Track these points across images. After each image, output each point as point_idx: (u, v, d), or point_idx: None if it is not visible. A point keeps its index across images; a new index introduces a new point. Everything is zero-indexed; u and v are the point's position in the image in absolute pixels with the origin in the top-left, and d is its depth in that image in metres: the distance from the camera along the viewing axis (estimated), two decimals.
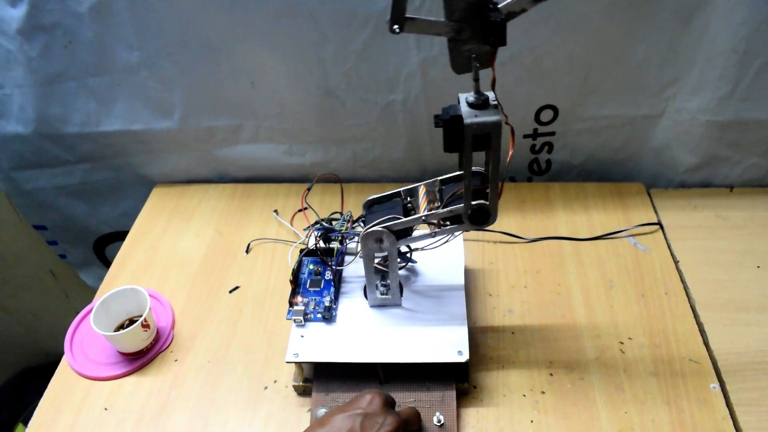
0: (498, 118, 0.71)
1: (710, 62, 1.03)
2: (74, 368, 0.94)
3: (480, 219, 0.78)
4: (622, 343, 0.93)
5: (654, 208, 1.16)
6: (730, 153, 1.15)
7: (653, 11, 0.97)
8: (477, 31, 0.66)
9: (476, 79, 0.71)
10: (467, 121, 0.71)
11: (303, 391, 0.88)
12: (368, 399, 0.73)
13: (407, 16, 0.65)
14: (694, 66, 1.04)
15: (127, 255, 1.13)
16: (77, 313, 1.02)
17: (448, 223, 0.81)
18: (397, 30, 0.65)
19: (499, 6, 0.65)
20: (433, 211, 0.79)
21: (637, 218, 1.13)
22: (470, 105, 0.72)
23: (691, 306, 0.98)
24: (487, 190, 0.77)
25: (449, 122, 0.72)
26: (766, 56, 1.00)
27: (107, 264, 1.42)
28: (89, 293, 1.40)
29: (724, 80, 1.04)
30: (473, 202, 0.77)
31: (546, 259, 1.07)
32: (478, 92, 0.72)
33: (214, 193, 1.24)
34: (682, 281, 1.02)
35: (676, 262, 1.05)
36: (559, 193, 1.19)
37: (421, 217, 0.80)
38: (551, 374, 0.90)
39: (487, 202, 0.77)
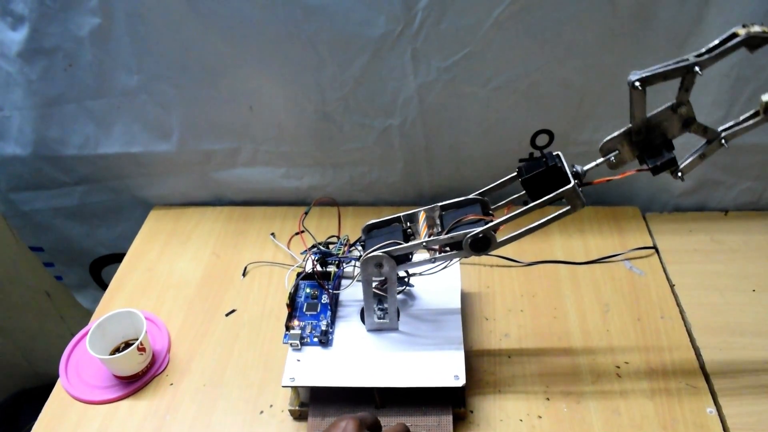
0: (585, 202, 0.77)
1: (703, 87, 1.03)
2: (69, 391, 0.94)
3: (480, 246, 0.79)
4: (618, 367, 0.93)
5: (649, 231, 1.17)
6: (724, 177, 1.16)
7: (646, 37, 0.98)
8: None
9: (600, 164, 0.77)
10: (576, 188, 0.75)
11: (299, 416, 0.88)
12: (342, 426, 0.71)
13: None
14: None
15: (123, 277, 1.13)
16: (73, 335, 1.01)
17: (447, 249, 0.82)
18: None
19: None
20: (433, 237, 0.80)
21: (632, 242, 1.14)
22: (574, 174, 0.76)
23: (687, 330, 0.99)
24: (491, 220, 0.79)
25: (554, 171, 0.76)
26: (757, 82, 1.01)
27: (104, 286, 1.41)
28: (85, 315, 1.40)
29: (717, 105, 1.05)
30: (477, 230, 0.77)
31: (542, 283, 1.07)
32: (586, 169, 0.77)
33: (212, 215, 1.25)
34: (678, 305, 1.03)
35: (671, 286, 1.06)
36: None
37: (422, 242, 0.80)
38: (548, 398, 0.90)
39: (495, 235, 0.79)
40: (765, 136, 1.08)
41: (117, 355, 0.91)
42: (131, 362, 0.92)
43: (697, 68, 0.70)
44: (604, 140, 0.77)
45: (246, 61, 1.02)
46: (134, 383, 0.93)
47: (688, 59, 0.71)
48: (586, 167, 0.77)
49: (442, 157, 1.17)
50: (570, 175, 0.75)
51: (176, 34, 0.99)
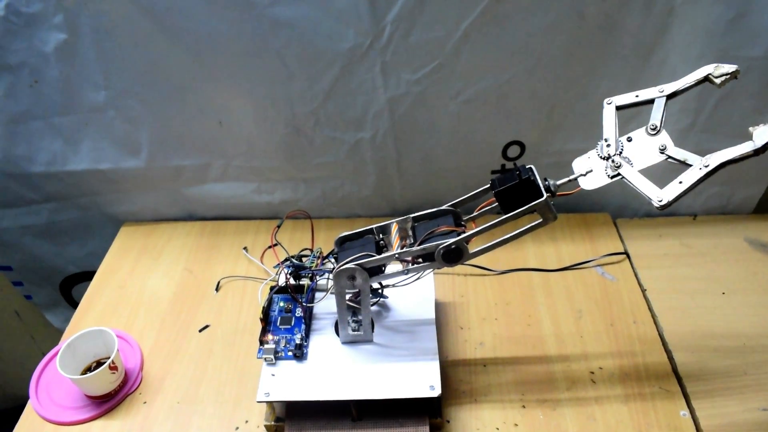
0: (557, 215, 0.77)
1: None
2: (40, 413, 0.92)
3: (453, 258, 0.79)
4: (592, 372, 0.94)
5: (620, 237, 1.18)
6: None
7: (614, 48, 1.00)
8: None
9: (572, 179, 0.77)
10: (548, 201, 0.75)
11: (275, 431, 0.87)
12: None
13: None
14: None
15: (94, 295, 1.11)
16: (43, 355, 1.00)
17: (420, 260, 0.82)
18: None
19: None
20: (406, 249, 0.80)
21: (604, 248, 1.15)
22: (546, 188, 0.76)
23: (659, 334, 1.00)
24: (463, 231, 0.79)
25: (527, 184, 0.76)
26: (722, 90, 1.02)
27: (74, 305, 1.39)
28: (56, 335, 1.37)
29: (685, 113, 1.07)
30: (449, 242, 0.78)
31: (516, 291, 1.08)
32: (558, 184, 0.77)
33: (183, 230, 1.24)
34: (650, 309, 1.04)
35: (643, 291, 1.07)
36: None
37: (395, 254, 0.80)
38: (523, 406, 0.90)
39: (467, 246, 0.79)
40: (732, 142, 1.10)
41: (88, 374, 0.89)
42: (103, 381, 0.91)
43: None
44: (577, 159, 0.79)
45: (214, 76, 1.02)
46: (107, 403, 0.92)
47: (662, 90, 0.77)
48: (558, 182, 0.78)
49: (414, 170, 1.17)
50: (543, 189, 0.75)
51: (143, 49, 0.98)
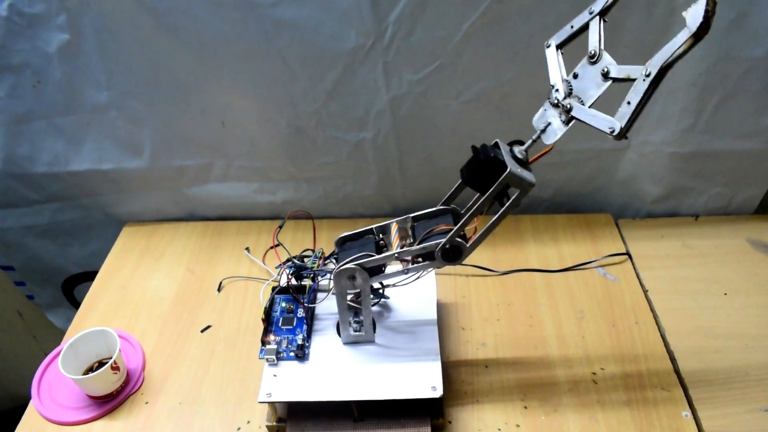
0: (534, 180, 0.72)
1: (672, 96, 1.05)
2: (42, 413, 0.92)
3: (453, 256, 0.79)
4: (594, 373, 0.94)
5: (622, 238, 1.18)
6: (695, 183, 1.18)
7: (614, 46, 0.99)
8: None
9: (535, 139, 0.73)
10: (513, 170, 0.71)
11: (277, 431, 0.87)
12: None
13: None
14: (656, 100, 1.06)
15: (96, 295, 1.11)
16: (45, 355, 1.00)
17: (420, 259, 0.82)
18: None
19: None
20: (405, 248, 0.80)
21: (606, 249, 1.15)
22: (515, 158, 0.73)
23: (661, 334, 1.00)
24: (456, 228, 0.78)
25: (490, 162, 0.73)
26: (724, 90, 1.03)
27: (76, 305, 1.39)
28: (57, 335, 1.38)
29: (686, 113, 1.07)
30: (442, 241, 0.77)
31: (518, 292, 1.08)
32: (526, 149, 0.74)
33: (185, 231, 1.24)
34: (652, 310, 1.04)
35: (645, 292, 1.07)
36: (529, 226, 1.21)
37: (394, 254, 0.80)
38: (525, 407, 0.90)
39: (464, 242, 0.78)
40: (733, 143, 1.10)
41: (90, 374, 0.89)
42: (105, 382, 0.91)
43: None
44: (535, 116, 0.75)
45: (217, 76, 1.02)
46: (108, 403, 0.92)
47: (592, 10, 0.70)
48: (524, 147, 0.75)
49: (416, 170, 1.17)
50: (507, 161, 0.72)
51: (146, 49, 0.99)
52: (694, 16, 0.60)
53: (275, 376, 0.85)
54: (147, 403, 0.93)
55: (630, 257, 1.14)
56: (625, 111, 0.65)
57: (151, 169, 1.15)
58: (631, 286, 1.08)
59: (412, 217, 0.84)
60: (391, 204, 1.24)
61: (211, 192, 1.21)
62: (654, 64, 0.63)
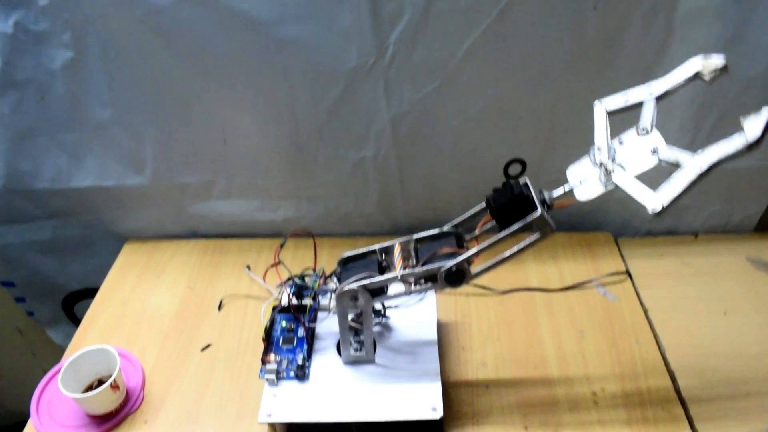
0: (555, 227, 0.76)
1: (669, 114, 1.05)
2: (40, 431, 0.92)
3: (455, 279, 0.79)
4: (595, 393, 0.94)
5: (622, 256, 1.18)
6: (693, 200, 1.18)
7: (613, 66, 1.01)
8: None
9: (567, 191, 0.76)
10: (544, 214, 0.74)
11: None
12: None
13: None
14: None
15: (96, 312, 1.11)
16: (45, 372, 0.99)
17: (422, 281, 0.82)
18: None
19: None
20: (408, 270, 0.80)
21: (605, 267, 1.15)
22: (542, 200, 0.76)
23: (661, 354, 1.00)
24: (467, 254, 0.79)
25: (523, 199, 0.76)
26: (721, 108, 1.03)
27: (76, 322, 1.39)
28: (57, 351, 1.37)
29: (684, 131, 1.07)
30: (450, 264, 0.78)
31: (518, 311, 1.08)
32: (553, 196, 0.76)
33: (186, 248, 1.24)
34: (652, 329, 1.04)
35: (645, 311, 1.07)
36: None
37: (397, 275, 0.80)
38: (526, 427, 0.90)
39: (469, 267, 0.79)
40: (732, 160, 1.10)
41: (90, 393, 0.89)
42: (104, 400, 0.90)
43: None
44: (570, 167, 0.77)
45: (219, 94, 1.03)
46: (108, 422, 0.92)
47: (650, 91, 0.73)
48: (554, 193, 0.77)
49: (417, 188, 1.17)
50: (537, 203, 0.75)
51: (149, 66, 0.99)
52: (753, 127, 0.65)
53: (275, 396, 0.85)
54: (146, 422, 0.93)
55: (630, 276, 1.14)
56: (669, 192, 0.69)
57: (152, 186, 1.15)
58: (631, 305, 1.08)
59: (416, 238, 0.84)
60: (391, 222, 1.24)
61: (213, 209, 1.21)
62: (706, 161, 0.68)
